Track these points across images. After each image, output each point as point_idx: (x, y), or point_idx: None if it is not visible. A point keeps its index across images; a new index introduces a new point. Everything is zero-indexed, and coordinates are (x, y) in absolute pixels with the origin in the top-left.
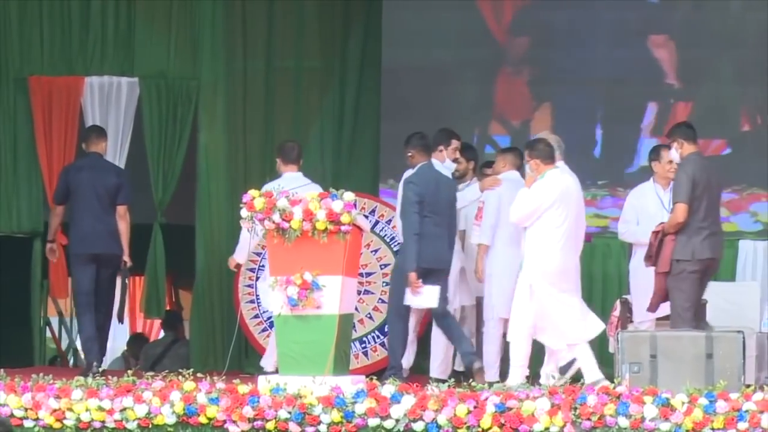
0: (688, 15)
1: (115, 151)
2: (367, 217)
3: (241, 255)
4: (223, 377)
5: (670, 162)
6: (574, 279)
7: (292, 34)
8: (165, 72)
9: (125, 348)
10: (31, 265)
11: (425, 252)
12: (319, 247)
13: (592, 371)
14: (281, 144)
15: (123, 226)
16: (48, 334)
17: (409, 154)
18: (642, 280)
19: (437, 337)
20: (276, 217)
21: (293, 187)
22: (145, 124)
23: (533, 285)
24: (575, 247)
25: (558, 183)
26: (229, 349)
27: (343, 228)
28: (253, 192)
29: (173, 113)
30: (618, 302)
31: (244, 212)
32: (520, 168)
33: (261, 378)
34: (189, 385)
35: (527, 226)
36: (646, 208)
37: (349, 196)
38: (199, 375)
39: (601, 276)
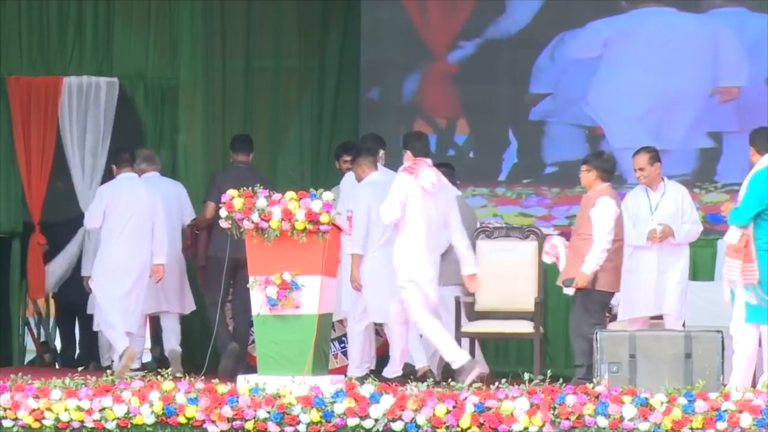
0: None
1: (96, 151)
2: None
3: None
4: (202, 377)
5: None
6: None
7: (271, 34)
8: (144, 72)
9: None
10: (10, 265)
11: None
12: (299, 246)
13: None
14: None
15: None
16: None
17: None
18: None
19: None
20: (255, 217)
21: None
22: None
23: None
24: (141, 245)
25: (122, 185)
26: (208, 349)
27: (322, 228)
28: (232, 192)
29: (152, 113)
30: None
31: (223, 212)
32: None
33: (240, 378)
34: (168, 385)
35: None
36: (638, 211)
37: (327, 195)
38: (177, 375)
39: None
